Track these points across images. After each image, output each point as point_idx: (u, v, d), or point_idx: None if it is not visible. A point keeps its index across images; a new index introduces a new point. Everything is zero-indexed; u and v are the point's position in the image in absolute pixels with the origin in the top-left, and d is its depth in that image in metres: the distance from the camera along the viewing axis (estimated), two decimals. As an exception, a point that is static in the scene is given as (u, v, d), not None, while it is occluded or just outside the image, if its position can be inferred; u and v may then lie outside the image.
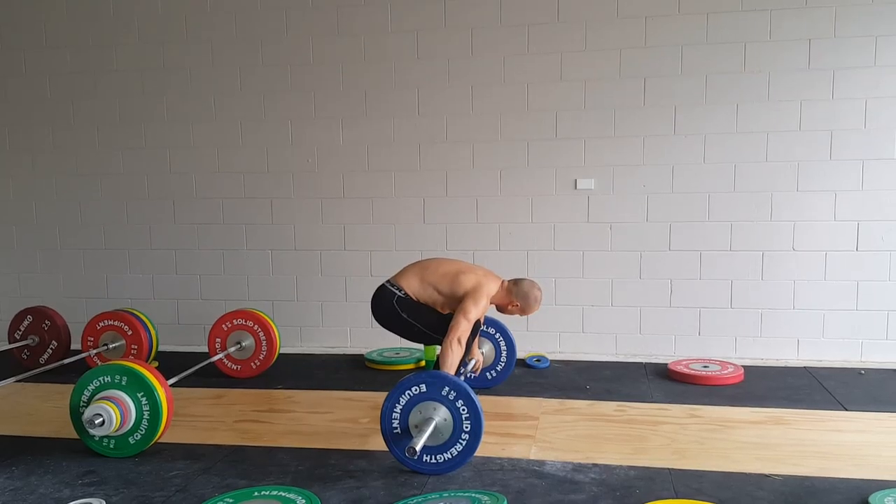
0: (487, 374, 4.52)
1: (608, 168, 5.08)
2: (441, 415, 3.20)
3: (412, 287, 3.88)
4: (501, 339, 4.53)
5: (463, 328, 3.64)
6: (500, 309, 4.00)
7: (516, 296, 3.93)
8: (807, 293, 4.94)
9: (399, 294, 3.86)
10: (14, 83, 5.79)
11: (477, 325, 3.88)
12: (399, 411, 3.24)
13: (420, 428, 3.16)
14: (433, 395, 3.21)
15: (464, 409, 3.18)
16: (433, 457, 3.20)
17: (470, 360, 4.16)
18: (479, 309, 3.75)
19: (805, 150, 4.84)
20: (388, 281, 3.96)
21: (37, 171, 5.85)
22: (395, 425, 3.25)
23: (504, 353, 4.53)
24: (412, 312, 3.86)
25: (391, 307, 3.87)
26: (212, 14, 5.46)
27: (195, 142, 5.60)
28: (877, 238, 4.83)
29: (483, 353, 4.43)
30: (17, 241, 5.96)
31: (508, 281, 3.97)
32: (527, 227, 5.21)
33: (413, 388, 3.23)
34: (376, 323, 5.44)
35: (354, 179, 5.42)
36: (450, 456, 3.19)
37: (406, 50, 5.23)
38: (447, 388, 3.20)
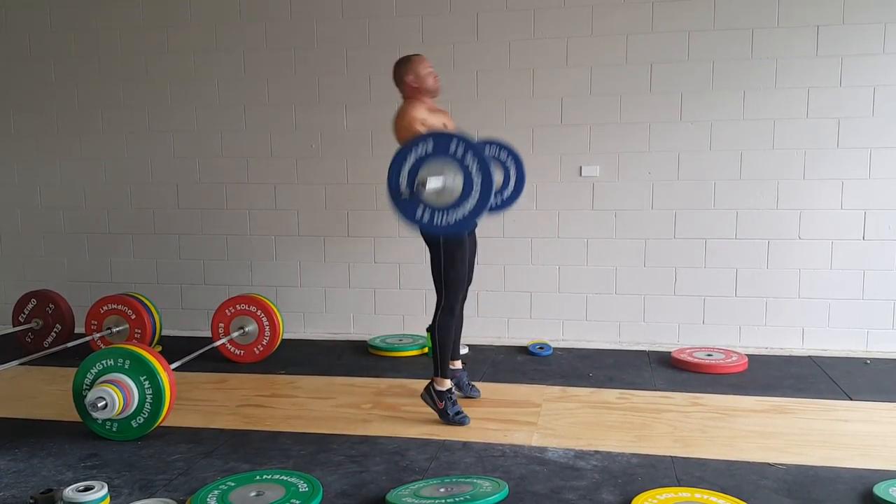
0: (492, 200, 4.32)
1: (613, 155, 5.05)
2: (450, 172, 3.12)
3: None
4: (510, 160, 4.25)
5: None
6: (418, 91, 3.72)
7: (407, 74, 3.72)
8: (812, 282, 4.92)
9: None
10: (18, 67, 5.78)
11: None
12: (406, 173, 3.17)
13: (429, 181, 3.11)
14: (441, 153, 3.12)
15: (473, 165, 3.10)
16: (443, 217, 3.14)
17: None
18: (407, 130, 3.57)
19: (812, 138, 4.80)
20: None
21: (41, 154, 5.85)
22: (402, 189, 3.18)
23: (513, 178, 4.25)
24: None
25: None
26: (216, -3, 5.44)
27: (199, 126, 5.58)
28: (884, 227, 4.80)
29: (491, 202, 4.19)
30: (22, 224, 5.96)
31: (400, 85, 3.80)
32: (531, 213, 5.18)
33: (419, 148, 3.15)
34: (379, 309, 5.49)
35: (358, 165, 5.39)
36: (461, 216, 3.12)
37: (411, 34, 5.19)
38: (455, 144, 3.11)
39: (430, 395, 3.69)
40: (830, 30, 4.71)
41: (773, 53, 4.79)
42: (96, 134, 5.74)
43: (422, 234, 3.73)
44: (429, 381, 3.73)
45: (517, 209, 5.14)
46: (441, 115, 3.79)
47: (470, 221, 3.15)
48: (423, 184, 3.00)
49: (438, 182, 3.10)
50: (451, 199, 3.13)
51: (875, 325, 4.89)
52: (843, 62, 4.72)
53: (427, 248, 3.72)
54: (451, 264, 3.65)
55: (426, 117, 3.64)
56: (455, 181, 3.12)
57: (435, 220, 3.14)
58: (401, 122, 3.64)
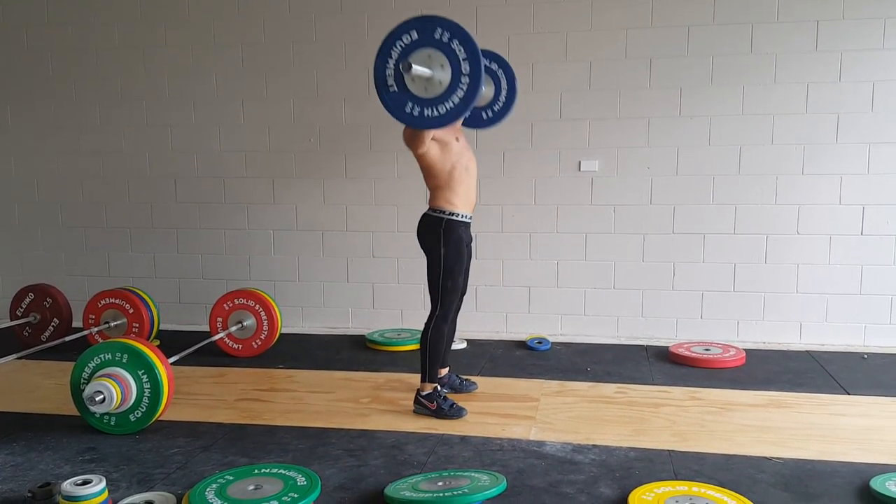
0: (483, 113, 4.10)
1: (612, 150, 5.04)
2: (437, 61, 3.05)
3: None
4: (501, 73, 4.04)
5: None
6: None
7: None
8: (810, 277, 4.92)
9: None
10: (16, 60, 5.76)
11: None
12: (392, 66, 3.11)
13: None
14: (426, 41, 3.06)
15: (460, 50, 3.03)
16: (433, 110, 3.08)
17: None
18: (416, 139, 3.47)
19: (811, 133, 4.80)
20: None
21: (39, 148, 5.83)
22: (390, 83, 3.12)
23: (504, 91, 4.05)
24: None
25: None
26: (214, -9, 5.42)
27: (197, 120, 5.57)
28: (882, 222, 4.80)
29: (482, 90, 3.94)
30: (19, 218, 5.95)
31: None
32: (529, 208, 5.19)
33: (404, 37, 3.09)
34: (377, 304, 5.49)
35: (357, 159, 5.39)
36: (451, 104, 3.05)
37: (410, 29, 5.18)
38: (440, 30, 3.05)
39: (421, 404, 3.69)
40: (830, 25, 4.70)
41: (773, 48, 4.78)
42: (94, 128, 5.73)
43: (420, 244, 3.73)
44: (416, 392, 3.74)
45: (516, 204, 5.16)
46: (452, 129, 3.67)
47: (462, 110, 3.05)
48: (410, 66, 2.92)
49: (426, 70, 3.02)
50: (441, 89, 3.06)
51: (873, 320, 4.89)
52: (842, 57, 4.71)
53: (425, 257, 3.71)
54: (449, 276, 3.66)
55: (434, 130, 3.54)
56: (443, 71, 3.04)
57: (425, 113, 3.07)
58: (409, 134, 3.51)
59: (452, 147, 3.60)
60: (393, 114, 3.17)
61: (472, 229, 3.83)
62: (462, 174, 3.63)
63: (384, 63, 3.11)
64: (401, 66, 2.96)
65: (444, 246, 3.62)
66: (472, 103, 3.08)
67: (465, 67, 3.03)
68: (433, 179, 3.66)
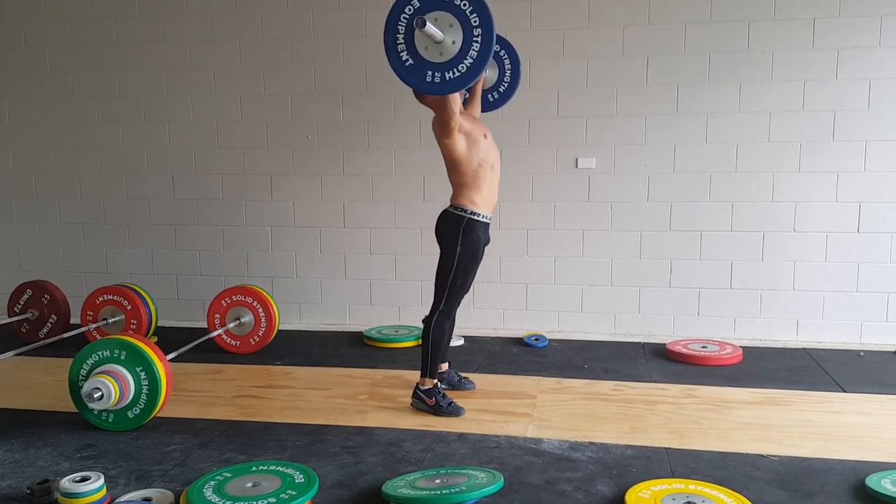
0: (489, 95, 4.14)
1: (609, 147, 5.05)
2: (446, 21, 3.02)
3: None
4: (506, 55, 4.07)
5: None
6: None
7: None
8: (807, 274, 4.93)
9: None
10: (13, 55, 5.74)
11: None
12: (402, 38, 3.08)
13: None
14: (430, 5, 3.03)
15: (465, 5, 3.00)
16: (454, 71, 3.05)
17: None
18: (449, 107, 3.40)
19: (808, 131, 4.81)
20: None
21: (36, 144, 5.82)
22: (405, 58, 3.09)
23: (508, 73, 4.09)
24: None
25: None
26: (211, -13, 5.41)
27: (194, 117, 5.56)
28: (878, 220, 4.81)
29: (485, 73, 3.85)
30: (17, 214, 5.95)
31: None
32: (527, 205, 5.19)
33: (407, 9, 3.07)
34: (375, 300, 5.49)
35: (355, 156, 5.39)
36: (470, 61, 3.02)
37: (407, 25, 5.17)
38: None
39: (420, 398, 3.70)
40: (826, 22, 4.70)
41: (770, 46, 4.79)
42: (91, 123, 5.72)
43: (437, 239, 3.70)
44: (414, 386, 3.75)
45: (513, 201, 5.16)
46: (481, 126, 3.67)
47: (482, 64, 3.02)
48: (424, 22, 2.90)
49: (438, 33, 3.00)
50: (455, 49, 3.04)
51: (869, 318, 4.91)
52: (839, 55, 4.72)
53: (439, 251, 3.69)
54: (461, 275, 3.64)
55: (464, 122, 3.52)
56: (454, 30, 3.01)
57: (447, 76, 3.05)
58: (439, 117, 3.48)
59: (481, 143, 3.59)
60: (416, 87, 3.16)
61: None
62: (488, 172, 3.62)
63: (394, 38, 3.10)
64: (415, 23, 2.94)
65: (462, 245, 3.60)
66: (490, 55, 3.04)
67: (475, 20, 3.01)
68: (459, 175, 3.62)
